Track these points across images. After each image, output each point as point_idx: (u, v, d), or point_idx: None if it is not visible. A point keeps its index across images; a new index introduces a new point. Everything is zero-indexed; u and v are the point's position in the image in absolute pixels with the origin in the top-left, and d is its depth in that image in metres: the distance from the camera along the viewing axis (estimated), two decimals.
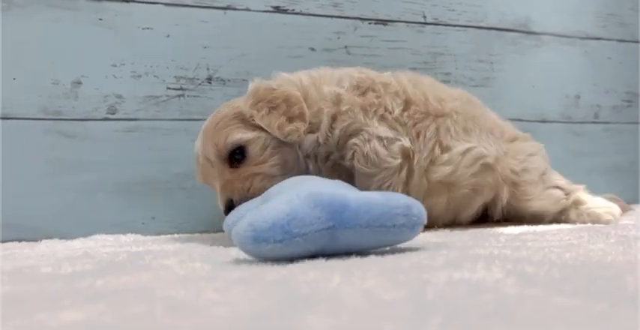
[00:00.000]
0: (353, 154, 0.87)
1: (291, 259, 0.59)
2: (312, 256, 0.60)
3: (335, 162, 0.90)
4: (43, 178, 0.98)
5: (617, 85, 1.48)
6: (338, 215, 0.59)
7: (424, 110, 0.94)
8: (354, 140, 0.87)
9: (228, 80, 1.10)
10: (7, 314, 0.39)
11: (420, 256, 0.59)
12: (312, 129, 0.88)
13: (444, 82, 1.26)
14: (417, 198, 0.74)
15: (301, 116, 0.86)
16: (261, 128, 0.86)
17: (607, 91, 1.47)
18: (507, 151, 0.99)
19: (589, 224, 0.91)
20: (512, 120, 1.17)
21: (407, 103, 0.93)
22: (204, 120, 1.07)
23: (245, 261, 0.62)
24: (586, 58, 1.45)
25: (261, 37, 1.13)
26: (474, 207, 0.98)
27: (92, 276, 0.54)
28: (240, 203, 0.80)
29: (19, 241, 0.93)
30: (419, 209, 0.63)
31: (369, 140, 0.87)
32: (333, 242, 0.60)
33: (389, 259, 0.58)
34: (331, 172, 0.89)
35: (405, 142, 0.89)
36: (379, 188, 0.87)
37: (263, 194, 0.74)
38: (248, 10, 1.13)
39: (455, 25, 1.31)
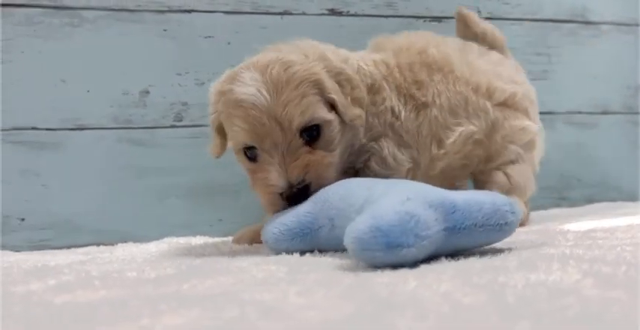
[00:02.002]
0: (370, 157, 0.85)
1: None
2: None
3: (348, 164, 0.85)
4: (116, 184, 1.03)
5: None
6: (450, 216, 0.58)
7: (414, 103, 0.89)
8: (372, 144, 0.85)
9: None
10: (111, 319, 0.42)
11: (491, 257, 0.60)
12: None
13: None
14: None
15: (361, 102, 0.80)
16: (332, 108, 0.77)
17: None
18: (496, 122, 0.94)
19: None
20: (572, 113, 1.16)
21: (405, 98, 0.88)
22: None
23: (315, 263, 0.64)
24: None
25: (319, 40, 1.15)
26: (466, 176, 0.97)
27: (177, 280, 0.57)
28: (292, 191, 0.73)
29: (97, 245, 0.99)
30: (518, 206, 0.63)
31: (388, 147, 0.85)
32: (446, 243, 0.59)
33: (460, 260, 0.59)
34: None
35: (414, 151, 0.88)
36: None
37: (313, 199, 0.73)
38: (304, 14, 1.15)
39: (510, 19, 1.29)
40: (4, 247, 0.97)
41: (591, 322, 0.33)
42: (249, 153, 0.77)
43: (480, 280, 0.48)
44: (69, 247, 0.97)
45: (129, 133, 1.04)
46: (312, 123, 0.75)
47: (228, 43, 1.10)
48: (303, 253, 0.72)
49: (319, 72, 0.77)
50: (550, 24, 1.33)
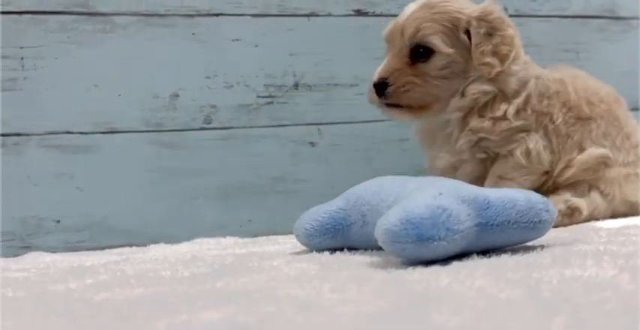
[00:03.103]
0: (517, 146, 0.91)
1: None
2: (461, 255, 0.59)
3: (481, 142, 0.92)
4: (147, 186, 1.05)
5: None
6: (483, 212, 0.58)
7: (577, 115, 0.97)
8: (522, 135, 0.92)
9: (314, 85, 1.14)
10: (150, 315, 0.43)
11: (523, 254, 0.59)
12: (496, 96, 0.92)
13: None
14: None
15: (504, 58, 0.89)
16: (462, 48, 0.89)
17: None
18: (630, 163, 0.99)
19: None
20: None
21: (568, 110, 0.96)
22: (293, 125, 1.11)
23: (346, 261, 0.65)
24: None
25: (345, 41, 1.16)
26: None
27: (211, 278, 0.58)
28: (387, 91, 0.89)
29: (130, 246, 1.00)
30: (552, 205, 0.63)
31: (536, 142, 0.93)
32: (479, 240, 0.59)
33: (492, 257, 0.59)
34: (465, 144, 0.93)
35: (555, 157, 0.95)
36: (515, 176, 0.92)
37: (345, 196, 0.75)
38: (330, 15, 1.16)
39: (537, 16, 1.28)
40: (41, 249, 0.99)
41: (630, 316, 0.33)
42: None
43: (514, 276, 0.48)
44: (103, 248, 0.99)
45: (159, 136, 1.06)
46: (422, 43, 0.89)
47: (256, 46, 1.11)
48: (333, 251, 0.73)
49: (467, 14, 0.89)
50: (579, 20, 1.31)
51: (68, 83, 1.03)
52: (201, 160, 1.07)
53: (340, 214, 0.73)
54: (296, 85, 1.13)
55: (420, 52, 0.89)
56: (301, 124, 1.13)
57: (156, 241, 1.03)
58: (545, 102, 0.94)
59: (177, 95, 1.07)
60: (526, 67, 0.96)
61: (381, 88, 0.90)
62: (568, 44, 1.30)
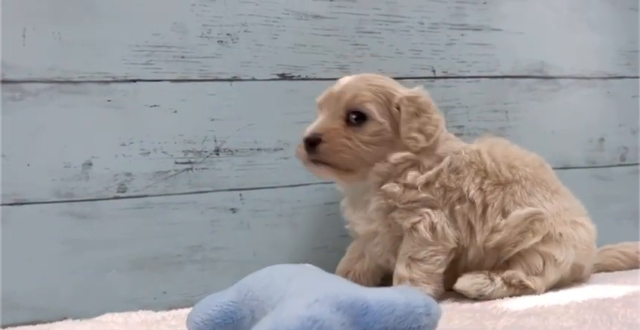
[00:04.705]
0: (420, 220, 0.92)
1: None
2: None
3: (390, 210, 0.94)
4: (57, 259, 1.01)
5: None
6: (360, 318, 0.56)
7: (496, 182, 0.97)
8: (427, 210, 0.93)
9: (236, 150, 1.12)
10: None
11: None
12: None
13: (457, 135, 1.24)
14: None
15: (429, 136, 0.94)
16: (392, 121, 0.94)
17: (634, 131, 1.41)
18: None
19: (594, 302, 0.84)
20: None
21: (483, 179, 0.96)
22: (213, 192, 1.09)
23: None
24: (609, 98, 1.40)
25: (268, 105, 1.15)
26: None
27: None
28: (319, 148, 0.92)
29: (34, 323, 0.96)
30: (436, 307, 0.61)
31: (440, 218, 0.93)
32: None
33: None
34: (375, 211, 0.95)
35: (461, 235, 0.95)
36: (425, 256, 0.92)
37: (237, 287, 0.72)
38: (254, 80, 1.14)
39: (466, 77, 1.29)
40: None
41: None
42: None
43: None
44: (5, 327, 0.95)
45: (71, 207, 1.02)
46: (359, 109, 0.93)
47: (175, 112, 1.09)
48: None
49: (399, 92, 0.95)
50: (508, 80, 1.32)
51: None
52: (114, 231, 1.04)
53: (231, 307, 0.71)
54: (217, 151, 1.11)
55: (354, 117, 0.93)
56: (222, 190, 1.10)
57: (65, 317, 0.99)
58: (454, 176, 0.95)
59: (90, 164, 1.04)
60: (448, 143, 0.98)
61: (312, 143, 0.92)
62: (497, 104, 1.31)
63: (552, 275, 0.94)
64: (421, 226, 0.92)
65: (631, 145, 1.41)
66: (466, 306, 0.87)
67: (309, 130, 0.94)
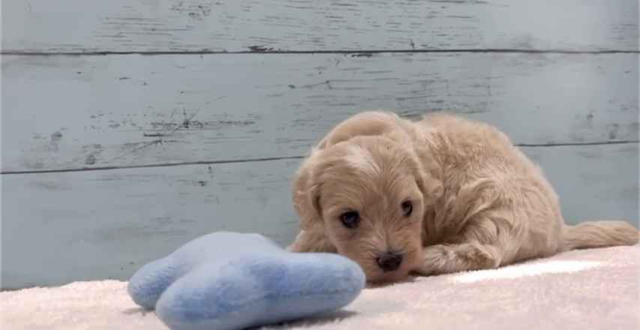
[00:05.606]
0: None
1: None
2: (248, 328, 0.56)
3: None
4: (26, 228, 1.03)
5: (636, 101, 1.38)
6: (276, 282, 0.56)
7: (455, 164, 0.96)
8: None
9: (206, 123, 1.12)
10: None
11: (320, 326, 0.57)
12: None
13: (436, 110, 1.23)
14: None
15: (438, 173, 0.90)
16: (416, 183, 0.85)
17: (625, 107, 1.37)
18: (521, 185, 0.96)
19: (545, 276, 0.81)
20: (514, 146, 1.11)
21: (447, 163, 0.96)
22: (182, 164, 1.09)
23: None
24: (599, 73, 1.36)
25: (239, 78, 1.14)
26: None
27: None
28: (390, 256, 0.79)
29: (1, 290, 0.99)
30: (359, 272, 0.60)
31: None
32: (271, 312, 0.56)
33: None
34: None
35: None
36: None
37: (176, 253, 0.73)
38: (225, 52, 1.14)
39: (446, 51, 1.26)
40: None
41: None
42: (348, 219, 0.82)
43: None
44: None
45: (40, 177, 1.04)
46: (411, 198, 0.82)
47: (145, 84, 1.10)
48: None
49: (412, 153, 0.85)
50: (491, 54, 1.29)
51: None
52: (83, 202, 1.05)
53: (168, 273, 0.71)
54: (186, 123, 1.11)
55: (407, 209, 0.83)
56: (191, 163, 1.11)
57: (33, 285, 1.01)
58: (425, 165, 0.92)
59: (59, 135, 1.05)
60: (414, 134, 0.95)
61: (398, 261, 0.80)
62: (479, 79, 1.28)
63: (508, 243, 0.92)
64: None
65: (622, 122, 1.37)
66: (419, 279, 0.86)
67: (384, 246, 0.79)
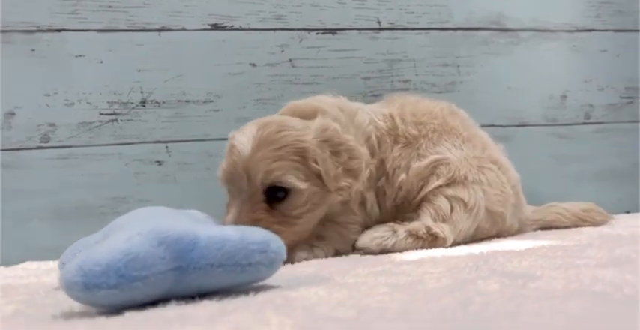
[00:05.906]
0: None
1: (137, 306, 0.53)
2: (157, 300, 0.55)
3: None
4: None
5: (613, 81, 1.34)
6: (186, 254, 0.54)
7: (406, 143, 0.94)
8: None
9: (163, 102, 1.10)
10: None
11: (232, 299, 0.55)
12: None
13: (403, 90, 1.21)
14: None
15: (356, 174, 0.85)
16: (315, 177, 0.82)
17: (601, 88, 1.34)
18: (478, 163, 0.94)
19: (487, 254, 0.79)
20: (484, 126, 1.09)
21: (395, 143, 0.94)
22: (139, 143, 1.08)
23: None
24: (574, 52, 1.33)
25: (198, 56, 1.13)
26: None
27: None
28: None
29: None
30: (278, 244, 0.59)
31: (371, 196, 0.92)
32: (181, 284, 0.55)
33: (191, 304, 0.55)
34: None
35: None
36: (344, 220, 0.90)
37: (104, 229, 0.72)
38: (184, 30, 1.12)
39: (414, 29, 1.24)
40: None
41: None
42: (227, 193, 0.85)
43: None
44: None
45: None
46: (277, 185, 0.80)
47: (101, 62, 1.08)
48: None
49: (309, 141, 0.82)
50: (460, 33, 1.26)
51: None
52: (37, 181, 1.04)
53: None
54: (143, 102, 1.10)
55: (275, 194, 0.81)
56: (148, 142, 1.09)
57: None
58: (379, 150, 0.93)
59: (13, 113, 1.04)
60: (362, 119, 0.94)
61: None
62: (448, 58, 1.25)
63: (462, 222, 0.90)
64: (352, 202, 0.89)
65: (597, 103, 1.34)
66: (365, 257, 0.84)
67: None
